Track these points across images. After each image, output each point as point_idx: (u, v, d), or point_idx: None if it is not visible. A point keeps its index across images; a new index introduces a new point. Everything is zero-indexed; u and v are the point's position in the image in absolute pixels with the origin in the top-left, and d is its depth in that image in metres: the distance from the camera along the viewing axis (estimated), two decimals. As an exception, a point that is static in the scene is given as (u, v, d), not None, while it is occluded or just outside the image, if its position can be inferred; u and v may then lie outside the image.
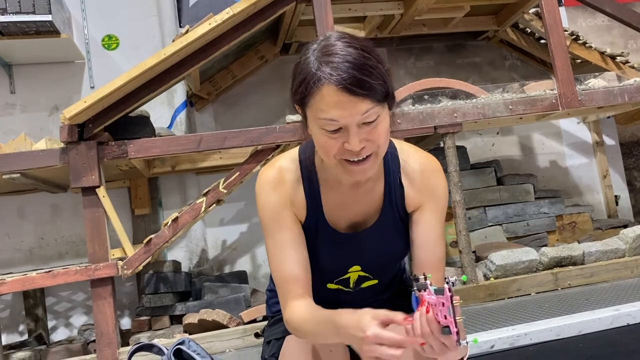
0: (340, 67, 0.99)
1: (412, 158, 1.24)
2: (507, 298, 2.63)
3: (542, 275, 2.70)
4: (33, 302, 3.06)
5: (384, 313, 0.94)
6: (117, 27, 3.51)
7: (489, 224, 3.30)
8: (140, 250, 2.47)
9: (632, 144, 4.22)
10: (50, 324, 3.16)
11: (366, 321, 0.93)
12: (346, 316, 0.98)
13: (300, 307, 1.13)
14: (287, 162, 1.22)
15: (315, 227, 1.22)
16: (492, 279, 2.72)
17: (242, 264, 3.46)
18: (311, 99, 1.03)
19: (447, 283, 0.89)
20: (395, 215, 1.24)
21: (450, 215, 2.74)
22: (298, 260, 1.17)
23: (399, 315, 0.93)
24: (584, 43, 3.60)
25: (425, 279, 0.96)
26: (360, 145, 1.03)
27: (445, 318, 0.89)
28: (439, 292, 0.90)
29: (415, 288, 0.96)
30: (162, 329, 2.72)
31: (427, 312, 0.92)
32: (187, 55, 2.56)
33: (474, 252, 2.94)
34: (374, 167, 1.10)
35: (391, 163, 1.23)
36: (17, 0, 2.83)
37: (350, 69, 0.99)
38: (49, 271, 2.40)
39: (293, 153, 1.24)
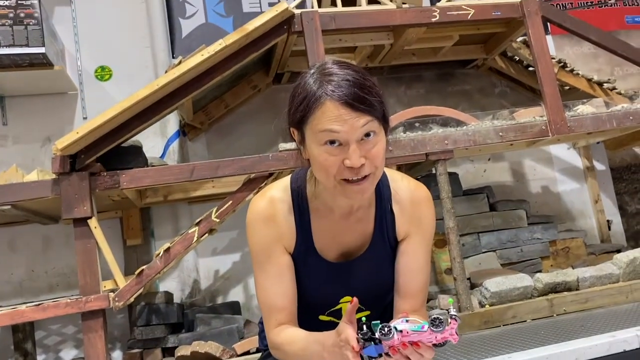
0: (341, 84, 1.05)
1: (403, 186, 1.25)
2: (503, 325, 2.61)
3: (537, 301, 2.69)
4: (22, 336, 3.00)
5: (343, 318, 0.98)
6: (111, 58, 3.54)
7: (483, 250, 3.30)
8: (132, 282, 2.44)
9: (622, 169, 4.26)
10: (39, 358, 3.09)
11: (342, 327, 0.96)
12: (329, 334, 1.01)
13: (284, 330, 1.15)
14: (278, 191, 1.23)
15: (305, 256, 1.22)
16: (487, 306, 2.71)
17: (235, 294, 3.42)
18: (312, 116, 1.06)
19: (452, 317, 0.93)
20: (386, 244, 1.24)
21: (444, 242, 2.74)
22: (285, 293, 1.18)
23: (348, 306, 0.98)
24: (571, 70, 3.66)
25: (388, 327, 0.95)
26: (360, 162, 1.05)
27: (436, 338, 0.93)
28: (437, 326, 0.92)
29: (378, 339, 0.94)
30: (154, 361, 2.68)
31: (418, 346, 0.94)
32: (180, 85, 2.58)
33: (468, 278, 2.93)
34: (371, 188, 1.12)
35: (382, 191, 1.23)
36: (11, 33, 2.85)
37: (351, 87, 1.04)
38: (39, 304, 2.36)
39: (285, 182, 1.25)
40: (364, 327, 0.95)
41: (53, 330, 3.16)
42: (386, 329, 0.93)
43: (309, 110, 1.06)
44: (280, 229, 1.20)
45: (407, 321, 0.95)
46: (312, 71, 1.11)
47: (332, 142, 1.05)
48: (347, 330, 0.94)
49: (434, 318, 0.94)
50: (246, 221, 1.21)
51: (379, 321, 0.95)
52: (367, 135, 1.06)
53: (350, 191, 1.09)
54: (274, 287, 1.18)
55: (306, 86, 1.08)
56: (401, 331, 0.93)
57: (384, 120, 1.10)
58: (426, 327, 0.93)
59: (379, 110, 1.07)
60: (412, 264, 1.22)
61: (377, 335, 0.94)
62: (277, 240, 1.19)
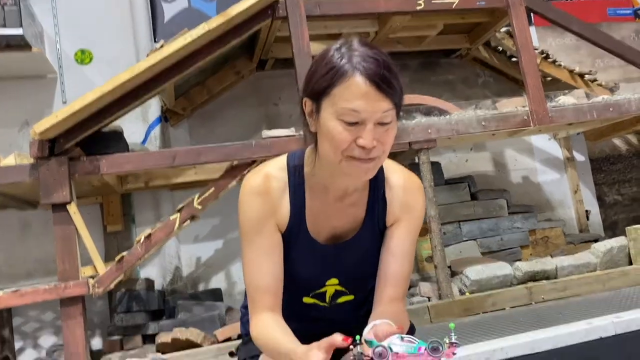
0: (370, 62, 1.04)
1: (396, 174, 1.26)
2: (483, 313, 2.64)
3: (516, 289, 2.73)
4: (-1, 322, 2.96)
5: (325, 340, 0.94)
6: (91, 42, 3.47)
7: (464, 239, 3.33)
8: (112, 268, 2.41)
9: (601, 160, 4.32)
10: (17, 345, 3.05)
11: (314, 353, 0.93)
12: (299, 350, 0.98)
13: (265, 321, 1.13)
14: (274, 169, 1.22)
15: (296, 236, 1.22)
16: (467, 293, 2.74)
17: (217, 282, 3.41)
18: (336, 88, 1.05)
19: (453, 344, 0.90)
20: (375, 229, 1.24)
21: (425, 230, 2.76)
22: (272, 271, 1.17)
23: (337, 337, 0.93)
24: (554, 61, 3.69)
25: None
26: (372, 143, 1.06)
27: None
28: (436, 350, 0.89)
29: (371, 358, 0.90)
30: (134, 348, 2.66)
31: None
32: (162, 70, 2.54)
33: (449, 267, 2.96)
34: (374, 170, 1.12)
35: (377, 176, 1.24)
36: (-13, 14, 2.79)
37: (380, 67, 1.04)
38: (17, 290, 2.33)
39: (281, 160, 1.24)
40: (357, 346, 0.91)
41: (31, 317, 3.12)
42: (380, 349, 0.89)
43: (335, 81, 1.05)
44: (274, 205, 1.19)
45: (402, 339, 0.92)
46: (337, 46, 1.10)
47: (350, 120, 1.05)
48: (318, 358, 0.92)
49: (434, 347, 0.91)
50: (239, 197, 1.20)
51: (373, 339, 0.93)
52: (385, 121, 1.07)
53: (355, 169, 1.09)
54: (263, 264, 1.17)
55: (334, 59, 1.07)
56: (397, 353, 0.89)
57: (399, 109, 1.10)
58: (422, 349, 0.90)
59: (399, 97, 1.08)
60: (396, 249, 1.22)
61: (370, 354, 0.89)
62: (270, 215, 1.18)
